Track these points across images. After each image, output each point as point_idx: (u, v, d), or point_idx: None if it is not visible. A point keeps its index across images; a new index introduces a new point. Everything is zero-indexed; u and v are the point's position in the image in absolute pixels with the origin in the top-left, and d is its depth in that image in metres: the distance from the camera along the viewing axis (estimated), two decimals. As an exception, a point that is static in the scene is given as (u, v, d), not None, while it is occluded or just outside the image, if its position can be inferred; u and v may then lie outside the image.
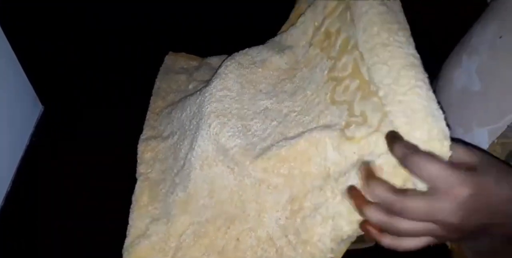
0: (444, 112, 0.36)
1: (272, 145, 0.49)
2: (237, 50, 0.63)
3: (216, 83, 0.58)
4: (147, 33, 0.85)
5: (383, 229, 0.38)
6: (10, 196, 0.64)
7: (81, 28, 0.85)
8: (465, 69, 0.55)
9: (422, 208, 0.34)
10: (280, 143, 0.49)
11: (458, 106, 0.56)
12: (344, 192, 0.40)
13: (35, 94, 0.73)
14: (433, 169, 0.33)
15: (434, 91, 0.38)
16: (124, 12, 0.87)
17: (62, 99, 0.76)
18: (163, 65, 0.76)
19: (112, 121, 0.73)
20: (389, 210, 0.36)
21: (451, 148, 0.35)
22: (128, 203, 0.62)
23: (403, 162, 0.35)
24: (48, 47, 0.81)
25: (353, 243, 0.57)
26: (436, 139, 0.35)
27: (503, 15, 0.51)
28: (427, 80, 0.38)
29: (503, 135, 0.50)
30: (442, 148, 0.35)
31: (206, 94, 0.57)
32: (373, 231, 0.38)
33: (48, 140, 0.71)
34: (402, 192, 0.36)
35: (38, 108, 0.74)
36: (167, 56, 0.78)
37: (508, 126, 0.49)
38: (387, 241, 0.38)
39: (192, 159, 0.54)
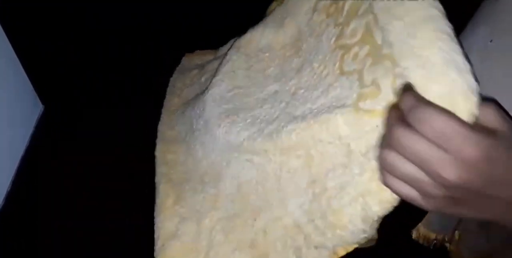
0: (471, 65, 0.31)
1: (281, 126, 0.46)
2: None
3: (227, 84, 0.57)
4: (147, 33, 0.85)
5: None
6: (10, 195, 0.64)
7: (81, 28, 0.85)
8: None
9: (424, 151, 0.30)
10: (289, 126, 0.45)
11: None
12: (375, 168, 0.36)
13: (35, 94, 0.73)
14: (440, 125, 0.29)
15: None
16: (124, 12, 0.87)
17: (62, 99, 0.76)
18: (179, 66, 0.75)
19: (112, 121, 0.73)
20: (395, 142, 0.32)
21: (478, 106, 0.30)
22: (128, 203, 0.62)
23: (408, 115, 0.30)
24: (48, 47, 0.81)
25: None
26: (460, 93, 0.30)
27: (493, 19, 0.51)
28: (452, 33, 0.33)
29: None
30: (466, 104, 0.29)
31: (216, 96, 0.57)
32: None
33: (48, 139, 0.71)
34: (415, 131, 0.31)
35: (38, 108, 0.74)
36: (183, 58, 0.77)
37: None
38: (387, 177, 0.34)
39: (216, 157, 0.54)
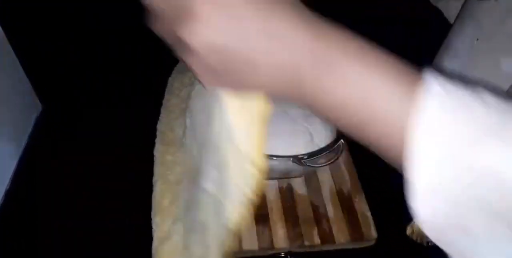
0: None
1: None
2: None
3: None
4: (147, 33, 0.85)
5: None
6: (9, 195, 0.64)
7: (80, 28, 0.85)
8: (448, 72, 0.56)
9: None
10: None
11: None
12: None
13: (34, 94, 0.73)
14: None
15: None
16: (124, 12, 0.86)
17: (62, 99, 0.76)
18: (177, 65, 0.76)
19: (112, 121, 0.73)
20: None
21: None
22: (128, 203, 0.62)
23: None
24: (47, 47, 0.81)
25: (353, 242, 0.58)
26: None
27: (478, 17, 0.51)
28: None
29: None
30: None
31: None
32: None
33: (47, 139, 0.71)
34: None
35: (38, 107, 0.74)
36: None
37: None
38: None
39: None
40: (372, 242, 0.59)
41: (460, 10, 0.56)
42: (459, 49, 0.54)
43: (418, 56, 0.41)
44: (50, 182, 0.65)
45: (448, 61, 0.56)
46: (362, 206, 0.61)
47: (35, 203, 0.63)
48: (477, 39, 0.51)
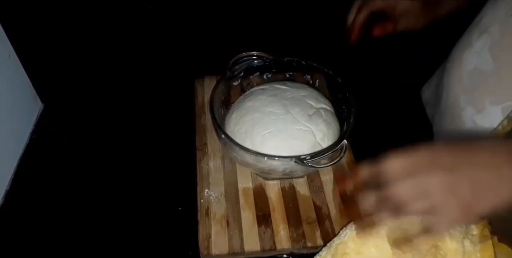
0: None
1: None
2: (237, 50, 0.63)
3: None
4: (146, 31, 0.85)
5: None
6: (10, 193, 0.63)
7: (81, 27, 0.85)
8: (475, 50, 0.55)
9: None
10: None
11: (470, 87, 0.56)
12: None
13: (35, 92, 0.73)
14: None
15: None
16: (124, 12, 0.86)
17: (62, 98, 0.76)
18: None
19: (112, 119, 0.73)
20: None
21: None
22: (128, 203, 0.62)
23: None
24: (48, 45, 0.81)
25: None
26: None
27: None
28: None
29: None
30: None
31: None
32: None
33: (47, 137, 0.71)
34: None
35: (38, 106, 0.74)
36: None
37: None
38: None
39: None
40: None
41: None
42: (490, 26, 0.54)
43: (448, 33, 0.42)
44: (50, 180, 0.65)
45: (476, 39, 0.56)
46: (365, 207, 0.60)
47: (34, 201, 0.63)
48: None
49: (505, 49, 0.51)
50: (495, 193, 0.38)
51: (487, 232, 0.48)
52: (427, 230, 0.40)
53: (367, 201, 0.40)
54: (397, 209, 0.39)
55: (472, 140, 0.40)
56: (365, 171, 0.41)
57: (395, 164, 0.38)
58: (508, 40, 0.51)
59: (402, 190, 0.38)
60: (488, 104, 0.53)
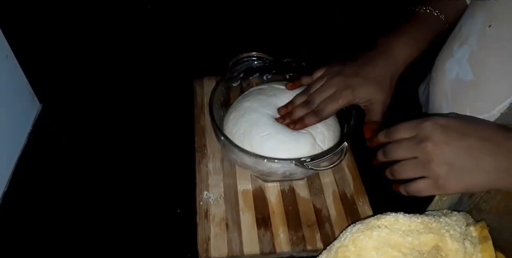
0: None
1: None
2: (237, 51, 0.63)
3: None
4: (146, 33, 0.85)
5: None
6: (8, 195, 0.63)
7: (79, 27, 0.85)
8: (456, 59, 0.55)
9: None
10: None
11: (452, 96, 0.56)
12: None
13: (32, 93, 0.72)
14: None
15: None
16: (123, 12, 0.86)
17: (60, 98, 0.75)
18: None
19: (110, 120, 0.72)
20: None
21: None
22: (128, 203, 0.62)
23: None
24: (46, 46, 0.81)
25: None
26: None
27: (491, 4, 0.51)
28: None
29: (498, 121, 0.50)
30: None
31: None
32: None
33: (46, 138, 0.70)
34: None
35: (36, 106, 0.74)
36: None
37: (501, 114, 0.50)
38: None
39: None
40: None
41: None
42: (469, 37, 0.54)
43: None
44: (48, 181, 0.65)
45: (457, 49, 0.56)
46: (365, 209, 0.60)
47: (33, 202, 0.63)
48: (489, 26, 0.51)
49: (483, 61, 0.52)
50: (471, 176, 0.44)
51: (486, 232, 0.48)
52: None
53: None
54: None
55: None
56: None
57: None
58: (486, 53, 0.51)
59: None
60: (469, 114, 0.53)
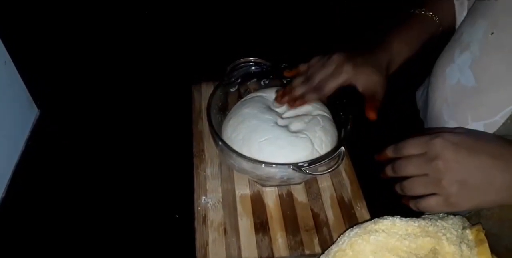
0: None
1: None
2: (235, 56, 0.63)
3: None
4: (144, 38, 0.85)
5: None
6: (6, 200, 0.63)
7: (77, 33, 0.85)
8: (457, 66, 0.56)
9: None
10: None
11: (453, 101, 0.56)
12: None
13: (31, 98, 0.72)
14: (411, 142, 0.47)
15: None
16: (121, 17, 0.86)
17: (58, 104, 0.76)
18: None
19: (109, 126, 0.72)
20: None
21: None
22: (128, 203, 0.62)
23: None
24: (44, 52, 0.81)
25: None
26: None
27: (494, 12, 0.52)
28: None
29: (502, 130, 0.50)
30: None
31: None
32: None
33: (44, 143, 0.70)
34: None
35: (34, 112, 0.74)
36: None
37: (503, 123, 0.50)
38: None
39: None
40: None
41: (473, 4, 0.56)
42: (471, 44, 0.54)
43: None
44: (47, 186, 0.65)
45: (459, 55, 0.56)
46: (363, 213, 0.60)
47: (31, 207, 0.63)
48: (492, 33, 0.51)
49: (486, 67, 0.52)
50: (483, 194, 0.44)
51: (482, 236, 0.48)
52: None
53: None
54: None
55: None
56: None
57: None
58: (488, 60, 0.51)
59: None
60: (470, 120, 0.53)
